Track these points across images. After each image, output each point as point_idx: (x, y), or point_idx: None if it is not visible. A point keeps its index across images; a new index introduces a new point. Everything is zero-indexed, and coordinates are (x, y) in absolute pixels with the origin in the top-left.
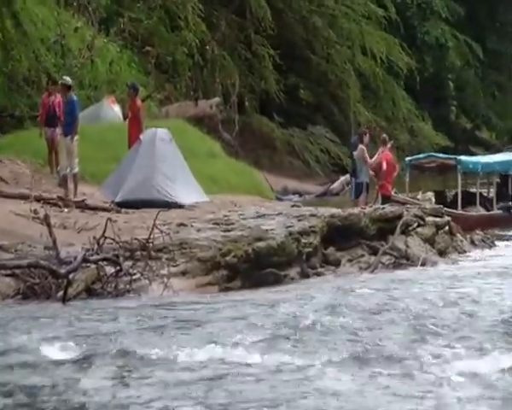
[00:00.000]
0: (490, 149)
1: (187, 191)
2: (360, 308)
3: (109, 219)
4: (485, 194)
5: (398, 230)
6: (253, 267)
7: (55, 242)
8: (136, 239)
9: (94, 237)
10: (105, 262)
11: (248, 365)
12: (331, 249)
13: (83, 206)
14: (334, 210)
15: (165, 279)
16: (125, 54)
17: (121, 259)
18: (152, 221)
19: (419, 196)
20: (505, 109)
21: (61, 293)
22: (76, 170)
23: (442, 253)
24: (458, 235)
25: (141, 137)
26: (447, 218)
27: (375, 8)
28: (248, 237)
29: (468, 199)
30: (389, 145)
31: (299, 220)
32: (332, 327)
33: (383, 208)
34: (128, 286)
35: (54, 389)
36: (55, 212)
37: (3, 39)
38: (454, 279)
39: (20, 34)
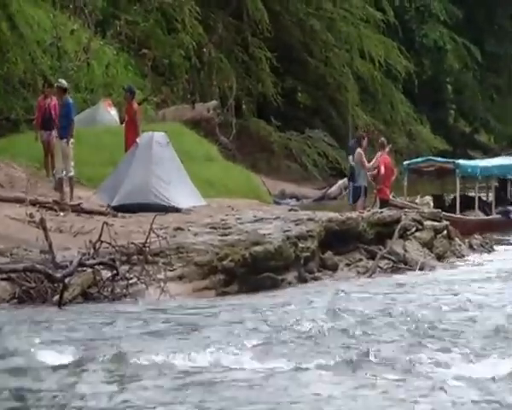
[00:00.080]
0: (488, 152)
1: (184, 195)
2: (357, 313)
3: (105, 223)
4: (484, 198)
5: (396, 234)
6: (251, 272)
7: (50, 246)
8: (132, 243)
9: (90, 241)
10: (101, 266)
11: (245, 369)
12: (329, 254)
13: (79, 210)
14: (332, 214)
15: (162, 284)
16: (122, 56)
17: (118, 263)
18: (148, 225)
19: (417, 200)
20: (504, 113)
21: (56, 297)
22: (72, 173)
23: (440, 257)
24: (457, 239)
25: (137, 140)
26: (445, 222)
27: (373, 11)
28: (245, 242)
29: (467, 203)
30: (387, 149)
31: (297, 225)
32: (329, 332)
33: (381, 212)
34: (124, 290)
35: (50, 394)
36: (50, 216)
37: None
38: (452, 284)
39: (15, 36)
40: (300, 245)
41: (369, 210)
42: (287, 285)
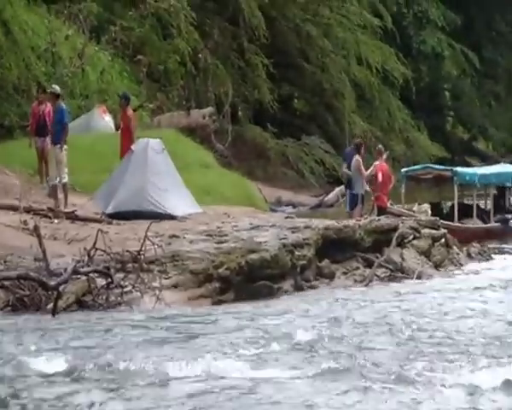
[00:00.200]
0: (486, 159)
1: (179, 202)
2: (354, 321)
3: (100, 230)
4: (482, 206)
5: (393, 242)
6: (247, 280)
7: (44, 253)
8: (127, 251)
9: (84, 249)
10: (96, 274)
11: (239, 378)
12: (325, 262)
13: (73, 217)
14: (329, 222)
15: (157, 292)
16: (117, 62)
17: (112, 271)
18: (144, 233)
19: (415, 208)
20: (502, 119)
21: (51, 305)
22: (65, 180)
23: (438, 266)
24: (455, 248)
25: (132, 147)
26: (443, 230)
27: (370, 17)
28: (241, 249)
29: (465, 211)
30: (385, 156)
31: (293, 232)
32: (325, 340)
33: (378, 220)
34: (119, 298)
35: (43, 403)
36: (45, 223)
37: None
38: (450, 293)
39: (9, 42)
40: (297, 253)
41: (366, 218)
42: (283, 294)
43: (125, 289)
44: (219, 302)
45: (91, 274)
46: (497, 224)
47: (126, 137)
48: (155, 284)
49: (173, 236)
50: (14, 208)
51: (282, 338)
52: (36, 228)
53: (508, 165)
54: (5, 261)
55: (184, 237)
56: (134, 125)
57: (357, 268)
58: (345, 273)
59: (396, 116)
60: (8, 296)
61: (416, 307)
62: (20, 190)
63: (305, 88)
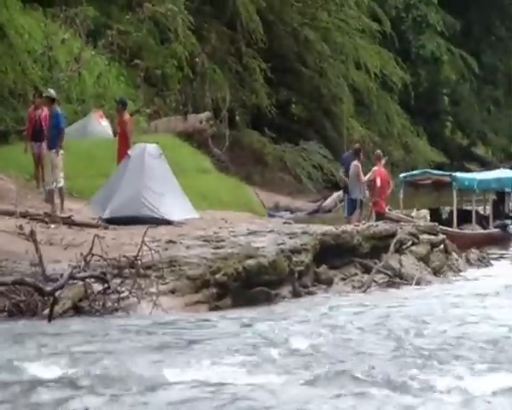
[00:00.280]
0: (485, 165)
1: (176, 207)
2: (351, 327)
3: (97, 235)
4: (482, 211)
5: (391, 248)
6: (244, 286)
7: (41, 258)
8: (124, 256)
9: (81, 254)
10: (92, 280)
11: (235, 384)
12: (323, 268)
13: (70, 222)
14: (327, 227)
15: (154, 297)
16: (114, 67)
17: (109, 276)
18: (140, 238)
19: (413, 214)
20: (501, 125)
21: (47, 311)
22: (61, 184)
23: (437, 272)
24: (453, 253)
25: (129, 152)
26: (442, 236)
27: (369, 21)
28: (239, 255)
29: (464, 217)
30: (383, 161)
31: (291, 238)
32: (322, 347)
33: (377, 226)
34: (116, 304)
35: (39, 408)
36: (41, 228)
37: None
38: (448, 299)
39: (5, 46)
40: (294, 259)
41: (364, 223)
42: (281, 300)
43: (122, 295)
44: (216, 308)
45: (88, 280)
46: (496, 229)
47: (123, 142)
48: (152, 290)
49: (170, 241)
50: (10, 213)
51: (278, 344)
52: (32, 233)
53: (507, 170)
54: (1, 267)
55: (181, 243)
56: (130, 129)
57: (356, 274)
58: (343, 279)
59: (394, 121)
60: (4, 302)
61: (414, 313)
62: (16, 195)
63: (302, 93)
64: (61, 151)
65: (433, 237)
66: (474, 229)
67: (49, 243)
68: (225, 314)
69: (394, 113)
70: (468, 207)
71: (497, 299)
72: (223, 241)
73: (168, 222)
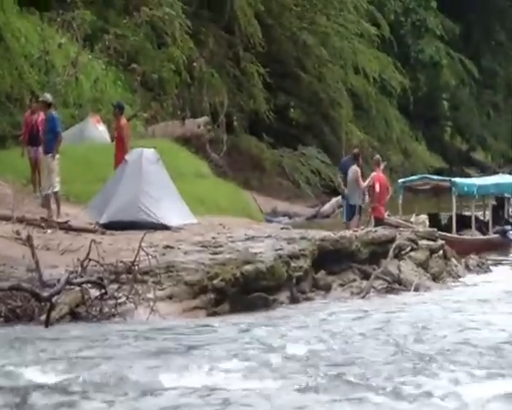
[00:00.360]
0: (485, 170)
1: (174, 212)
2: (350, 333)
3: (94, 240)
4: (481, 217)
5: (390, 253)
6: (242, 291)
7: (37, 264)
8: (121, 262)
9: (78, 259)
10: (89, 285)
11: (232, 390)
12: (322, 273)
13: (66, 227)
14: (325, 233)
15: (152, 303)
16: (111, 71)
17: (106, 282)
18: (138, 243)
19: (412, 219)
20: (500, 130)
21: (44, 316)
22: (57, 188)
23: (436, 278)
24: (453, 259)
25: (126, 157)
26: (441, 242)
27: (367, 26)
28: (237, 260)
29: (463, 222)
30: (382, 166)
31: (289, 243)
32: (319, 353)
33: (375, 231)
34: (113, 310)
35: None
36: (38, 233)
37: None
38: (447, 305)
39: (2, 50)
40: (293, 264)
41: (362, 229)
42: (279, 305)
43: (119, 301)
44: (214, 314)
45: (85, 285)
46: (495, 235)
47: (120, 147)
48: (150, 296)
49: (168, 246)
50: (6, 218)
51: (276, 350)
52: (29, 238)
53: (506, 175)
54: None
55: (179, 248)
56: (127, 134)
57: (354, 280)
58: (341, 285)
59: (393, 126)
60: (1, 307)
61: (413, 319)
62: (13, 199)
63: (301, 97)
64: (57, 155)
65: (432, 242)
66: (473, 235)
67: (45, 248)
68: (223, 320)
69: (393, 117)
70: (468, 213)
71: (497, 305)
72: (220, 246)
73: (166, 227)
